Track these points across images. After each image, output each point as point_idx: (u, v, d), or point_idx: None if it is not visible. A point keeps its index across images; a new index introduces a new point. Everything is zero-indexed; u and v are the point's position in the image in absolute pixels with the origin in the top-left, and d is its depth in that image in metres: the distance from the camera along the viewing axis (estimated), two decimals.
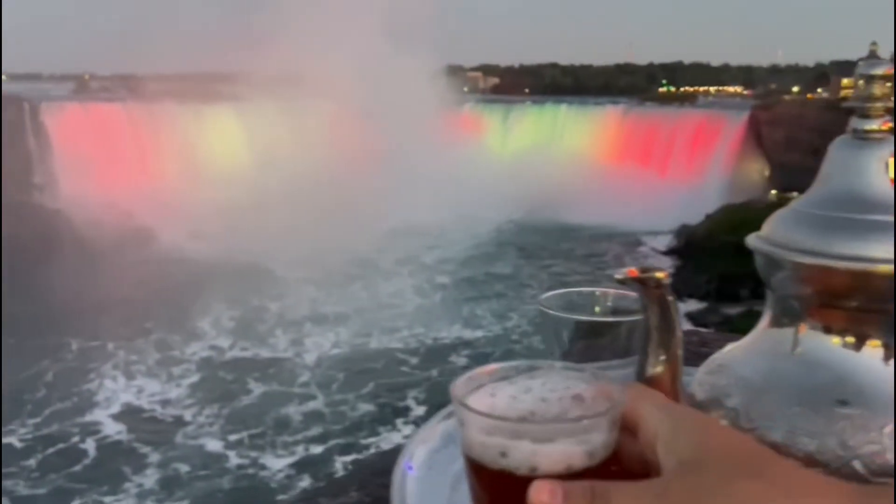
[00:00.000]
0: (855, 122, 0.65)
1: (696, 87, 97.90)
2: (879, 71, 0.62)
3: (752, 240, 0.69)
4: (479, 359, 31.27)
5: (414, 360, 31.89)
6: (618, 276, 0.71)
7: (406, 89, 64.75)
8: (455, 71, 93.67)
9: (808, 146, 47.26)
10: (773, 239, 0.66)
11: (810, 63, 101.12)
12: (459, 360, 32.46)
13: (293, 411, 27.03)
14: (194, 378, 30.03)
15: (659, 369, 0.63)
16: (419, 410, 27.01)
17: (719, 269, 40.77)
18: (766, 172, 54.70)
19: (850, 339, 0.60)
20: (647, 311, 0.65)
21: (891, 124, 0.64)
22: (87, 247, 45.14)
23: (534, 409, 0.57)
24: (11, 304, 36.98)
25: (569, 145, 67.67)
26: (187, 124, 59.91)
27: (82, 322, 35.20)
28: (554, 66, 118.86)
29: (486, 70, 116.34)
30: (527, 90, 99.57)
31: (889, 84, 0.61)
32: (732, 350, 0.70)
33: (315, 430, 25.64)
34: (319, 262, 43.12)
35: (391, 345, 33.70)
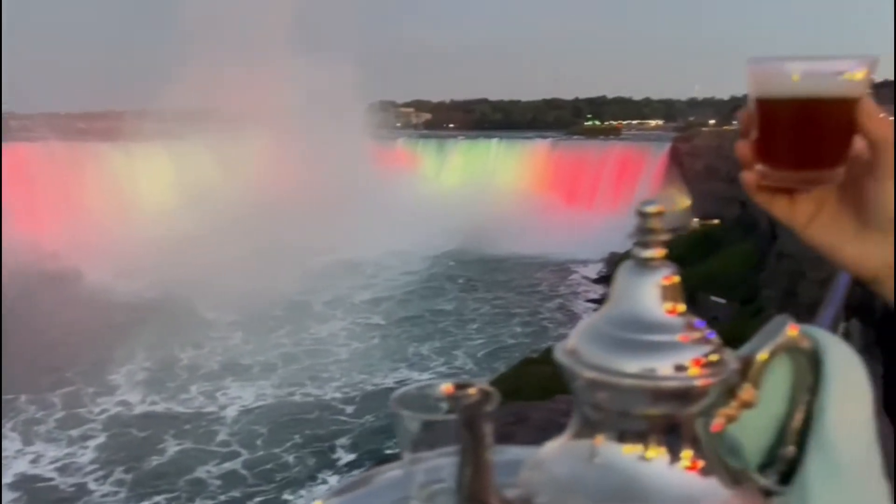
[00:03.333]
0: (636, 251, 0.75)
1: (620, 121, 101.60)
2: (653, 209, 0.73)
3: (557, 350, 0.76)
4: None
5: (349, 409, 29.63)
6: (435, 395, 0.77)
7: (338, 125, 65.18)
8: (387, 106, 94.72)
9: (726, 175, 49.58)
10: (573, 352, 0.74)
11: (725, 96, 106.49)
12: None
13: (213, 471, 24.57)
14: (101, 438, 27.08)
15: (471, 476, 0.69)
16: (348, 457, 25.45)
17: None
18: (688, 202, 57.01)
19: (639, 447, 0.70)
20: (461, 428, 0.70)
21: (664, 252, 0.75)
22: (7, 290, 43.33)
23: None
24: None
25: (501, 179, 69.24)
26: (115, 162, 58.72)
27: None
28: (484, 101, 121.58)
29: (418, 106, 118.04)
30: (458, 125, 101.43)
31: (662, 223, 0.74)
32: (552, 447, 0.77)
33: (236, 491, 23.42)
34: (248, 303, 41.58)
35: (324, 395, 31.08)
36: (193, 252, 47.22)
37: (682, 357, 0.68)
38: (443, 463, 0.72)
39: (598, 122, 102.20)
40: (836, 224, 0.82)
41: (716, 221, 46.92)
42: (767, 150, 0.76)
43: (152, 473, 24.49)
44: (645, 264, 0.74)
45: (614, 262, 51.42)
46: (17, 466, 24.80)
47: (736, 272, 38.62)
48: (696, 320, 0.72)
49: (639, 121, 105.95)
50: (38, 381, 31.96)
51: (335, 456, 25.59)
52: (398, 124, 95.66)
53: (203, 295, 43.06)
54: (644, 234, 0.74)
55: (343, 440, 26.66)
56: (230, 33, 68.93)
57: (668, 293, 0.72)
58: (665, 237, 0.74)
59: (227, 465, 24.90)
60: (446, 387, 0.76)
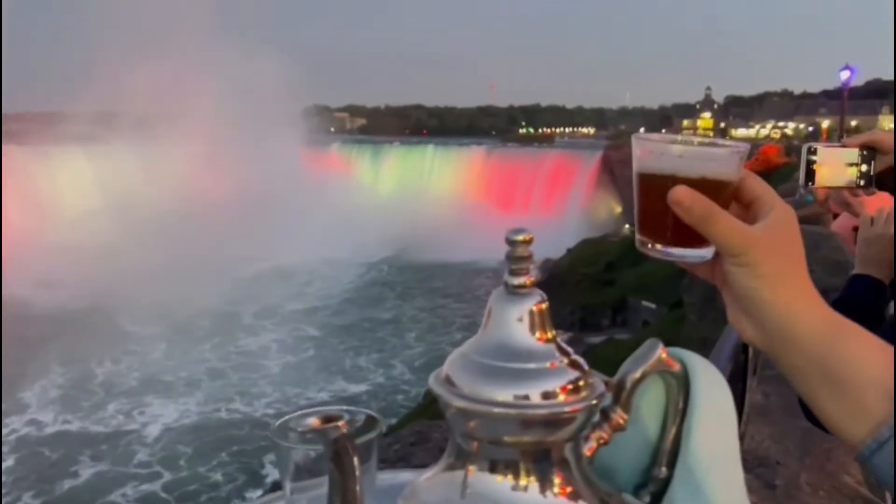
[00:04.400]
0: (506, 278, 0.75)
1: (553, 129, 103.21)
2: (521, 237, 0.73)
3: (432, 379, 0.74)
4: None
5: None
6: (300, 428, 0.74)
7: (270, 128, 63.94)
8: (321, 111, 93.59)
9: None
10: (447, 381, 0.72)
11: (655, 105, 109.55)
12: None
13: (130, 493, 23.25)
14: (9, 461, 25.39)
15: None
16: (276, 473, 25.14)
17: (581, 300, 42.58)
18: (619, 209, 58.22)
19: (510, 477, 0.68)
20: (330, 461, 0.67)
21: (532, 280, 0.74)
22: None
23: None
24: None
25: (437, 185, 69.23)
26: (33, 167, 56.03)
27: None
28: (419, 107, 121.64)
29: (353, 111, 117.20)
30: (393, 131, 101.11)
31: (529, 250, 0.74)
32: (429, 476, 0.74)
33: None
34: (173, 313, 39.97)
35: (254, 411, 29.72)
36: (115, 260, 45.44)
37: (551, 384, 0.69)
38: (313, 495, 0.73)
39: (532, 130, 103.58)
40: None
41: None
42: (643, 222, 0.77)
43: (65, 498, 23.05)
44: (514, 292, 0.75)
45: (547, 268, 51.95)
46: None
47: (664, 277, 39.46)
48: (565, 346, 0.73)
49: (572, 128, 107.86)
50: None
51: (263, 472, 24.21)
52: (332, 129, 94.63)
53: (124, 306, 41.28)
54: (514, 262, 0.76)
55: (271, 456, 25.50)
56: (150, 27, 66.88)
57: (537, 320, 0.74)
58: (532, 264, 0.76)
59: (147, 487, 23.56)
60: (314, 421, 0.77)
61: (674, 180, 0.70)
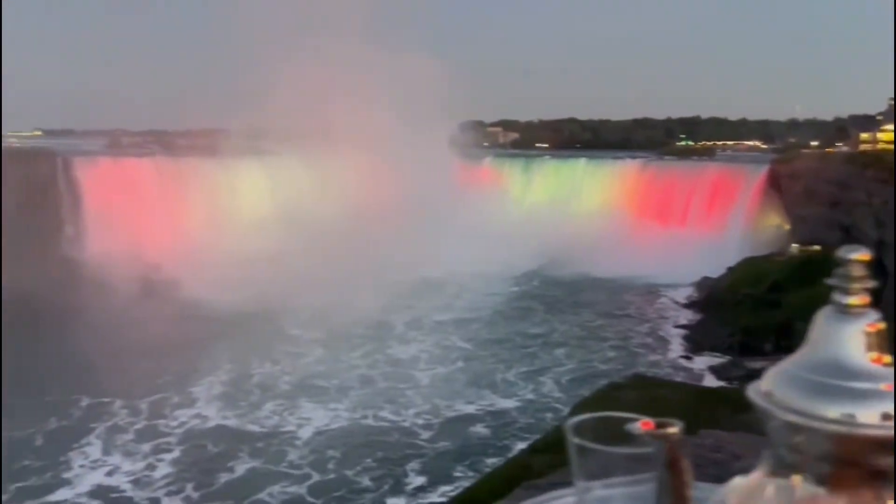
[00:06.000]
0: (837, 297, 0.75)
1: (715, 142, 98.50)
2: (856, 256, 0.74)
3: (751, 391, 0.76)
4: (504, 430, 28.99)
5: (425, 434, 28.65)
6: (631, 429, 0.77)
7: (427, 144, 65.96)
8: (475, 126, 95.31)
9: (828, 199, 47.13)
10: (770, 394, 0.74)
11: (829, 117, 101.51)
12: (480, 430, 29.23)
13: (279, 492, 24.32)
14: (176, 453, 27.43)
15: None
16: (418, 480, 24.85)
17: (742, 323, 40.35)
18: (787, 226, 54.57)
19: (841, 493, 0.70)
20: (661, 465, 0.71)
21: (868, 299, 0.74)
22: (112, 299, 45.93)
23: None
24: (35, 357, 37.33)
25: (588, 198, 68.36)
26: (215, 178, 61.26)
27: (99, 377, 34.83)
28: (573, 120, 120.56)
29: (506, 125, 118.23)
30: (546, 144, 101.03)
31: (865, 269, 0.74)
32: (741, 484, 0.78)
33: None
34: (331, 319, 42.13)
35: (402, 420, 30.11)
36: (282, 267, 48.52)
37: (889, 406, 0.68)
38: (612, 494, 0.74)
39: (691, 143, 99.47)
40: None
41: (816, 248, 44.50)
42: None
43: (221, 491, 24.63)
44: (847, 310, 0.74)
45: (706, 286, 49.70)
46: (95, 477, 25.52)
47: None
48: None
49: (734, 142, 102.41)
50: (132, 388, 33.49)
51: (407, 480, 25.20)
52: (486, 143, 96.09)
53: (288, 310, 44.22)
54: (846, 281, 0.74)
55: (415, 465, 26.11)
56: (307, 41, 70.26)
57: (872, 341, 0.72)
58: (869, 284, 0.74)
59: (294, 489, 24.66)
60: (644, 422, 0.76)
61: None
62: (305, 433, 29.07)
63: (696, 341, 41.11)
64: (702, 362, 37.89)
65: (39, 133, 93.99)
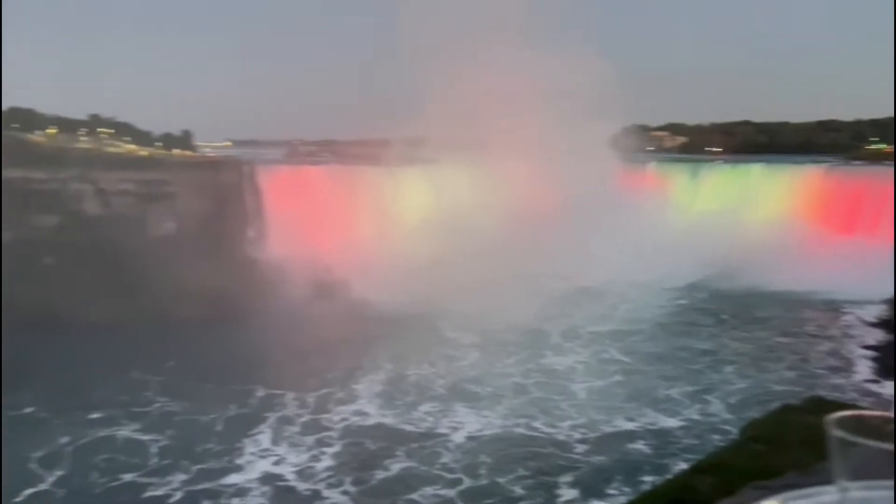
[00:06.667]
0: None
1: None
2: None
3: None
4: (665, 449, 27.69)
5: (580, 448, 28.00)
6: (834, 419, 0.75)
7: (587, 149, 64.79)
8: (639, 130, 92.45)
9: None
10: None
11: None
12: (638, 447, 28.06)
13: (430, 494, 24.69)
14: (337, 447, 28.60)
15: None
16: (571, 493, 24.24)
17: None
18: None
19: None
20: None
21: None
22: (287, 298, 49.48)
23: None
24: (221, 350, 40.94)
25: (763, 207, 63.96)
26: (381, 185, 64.07)
27: (274, 369, 37.42)
28: (747, 123, 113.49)
29: (674, 129, 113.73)
30: (717, 149, 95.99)
31: None
32: None
33: None
34: (487, 325, 42.45)
35: (556, 433, 29.60)
36: (442, 272, 49.74)
37: None
38: (873, 496, 0.72)
39: (884, 146, 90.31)
40: None
41: None
42: None
43: (376, 488, 25.42)
44: None
45: None
46: (263, 465, 27.24)
47: None
48: None
49: None
50: (304, 382, 35.78)
51: (558, 492, 24.75)
52: (650, 148, 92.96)
53: (446, 314, 45.25)
54: None
55: (568, 477, 25.63)
56: (466, 44, 70.84)
57: None
58: None
59: (445, 492, 24.93)
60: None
61: None
62: (458, 437, 29.44)
63: (887, 364, 37.28)
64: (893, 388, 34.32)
65: (229, 144, 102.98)
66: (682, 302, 51.50)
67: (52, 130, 63.31)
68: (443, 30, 69.62)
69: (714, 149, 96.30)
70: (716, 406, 32.43)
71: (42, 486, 25.35)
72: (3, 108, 58.99)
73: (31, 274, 48.10)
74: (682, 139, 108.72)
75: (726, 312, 48.51)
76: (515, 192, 60.03)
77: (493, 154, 63.29)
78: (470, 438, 29.26)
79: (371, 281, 51.14)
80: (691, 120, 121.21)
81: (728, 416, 30.89)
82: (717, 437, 28.33)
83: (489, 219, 56.79)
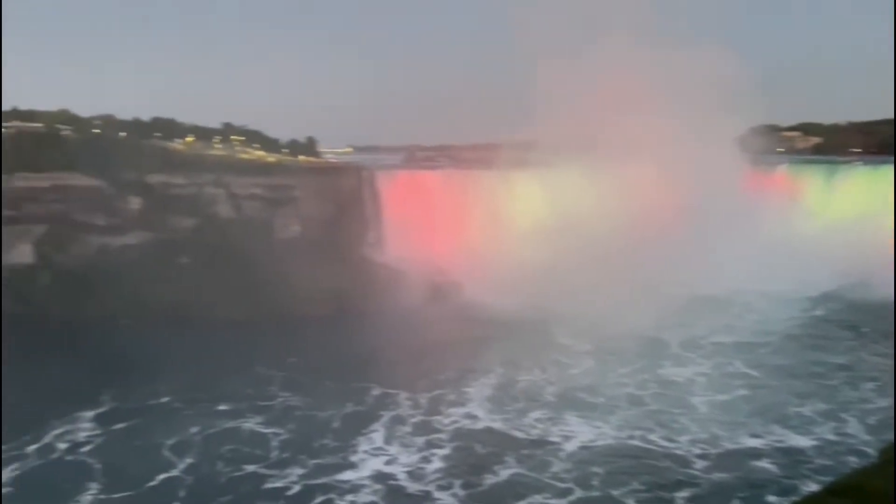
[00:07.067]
0: None
1: None
2: None
3: None
4: (794, 469, 26.07)
5: (700, 464, 26.77)
6: None
7: (712, 151, 61.94)
8: (769, 131, 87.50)
9: None
10: None
11: None
12: (764, 466, 26.53)
13: (539, 502, 24.27)
14: (446, 450, 28.71)
15: None
16: None
17: None
18: None
19: None
20: None
21: None
22: (403, 299, 50.58)
23: None
24: (340, 348, 42.28)
25: None
26: (494, 188, 64.15)
27: (390, 369, 38.31)
28: (890, 122, 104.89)
29: (807, 129, 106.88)
30: (855, 149, 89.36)
31: None
32: None
33: None
34: (601, 332, 41.51)
35: (675, 447, 28.39)
36: (555, 276, 49.13)
37: None
38: None
39: None
40: None
41: None
42: None
43: (486, 493, 25.38)
44: None
45: None
46: (376, 464, 27.75)
47: None
48: None
49: None
50: (417, 382, 36.50)
51: None
52: (781, 149, 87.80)
53: (560, 319, 44.60)
54: None
55: (684, 492, 24.65)
56: (581, 43, 69.11)
57: None
58: None
59: (554, 502, 24.54)
60: None
61: None
62: (570, 446, 28.98)
63: None
64: None
65: (350, 150, 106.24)
66: (817, 313, 48.38)
67: (189, 139, 67.72)
68: (558, 28, 68.73)
69: (854, 149, 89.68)
70: (853, 426, 30.35)
71: (174, 472, 27.16)
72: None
73: (168, 273, 51.77)
74: (815, 139, 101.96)
75: (865, 325, 45.15)
76: (635, 194, 58.28)
77: (611, 156, 61.70)
78: (582, 448, 28.81)
79: (484, 283, 51.38)
80: (827, 119, 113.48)
81: (866, 438, 28.92)
82: (853, 458, 26.56)
83: (604, 222, 55.54)
